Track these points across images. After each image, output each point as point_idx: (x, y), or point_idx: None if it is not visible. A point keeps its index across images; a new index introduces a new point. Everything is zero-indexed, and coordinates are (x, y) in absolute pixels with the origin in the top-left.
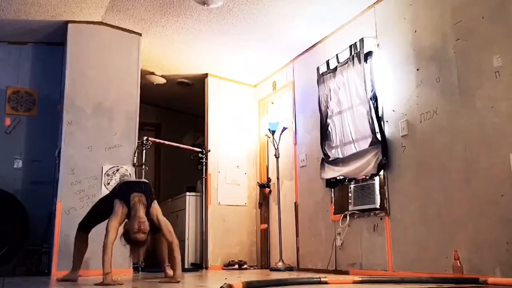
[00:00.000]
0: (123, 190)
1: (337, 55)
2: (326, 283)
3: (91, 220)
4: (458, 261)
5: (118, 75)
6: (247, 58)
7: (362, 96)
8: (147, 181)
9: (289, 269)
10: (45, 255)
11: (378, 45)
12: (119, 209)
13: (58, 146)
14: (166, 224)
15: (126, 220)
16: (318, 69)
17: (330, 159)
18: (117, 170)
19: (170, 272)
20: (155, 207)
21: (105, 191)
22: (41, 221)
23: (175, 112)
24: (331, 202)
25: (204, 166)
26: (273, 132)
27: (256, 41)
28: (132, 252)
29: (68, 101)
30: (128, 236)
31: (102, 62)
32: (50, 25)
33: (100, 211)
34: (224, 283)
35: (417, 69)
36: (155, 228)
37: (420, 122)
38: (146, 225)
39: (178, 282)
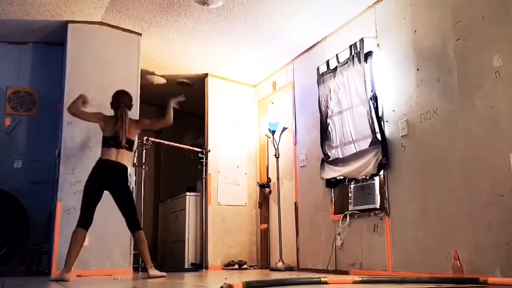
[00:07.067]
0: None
1: (337, 55)
2: (326, 283)
3: (88, 208)
4: (458, 261)
5: (118, 75)
6: (247, 58)
7: (362, 96)
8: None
9: (289, 269)
10: (45, 255)
11: (378, 45)
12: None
13: (58, 146)
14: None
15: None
16: (318, 69)
17: (330, 159)
18: None
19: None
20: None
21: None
22: (41, 221)
23: (175, 112)
24: (331, 202)
25: (204, 166)
26: (273, 132)
27: (256, 41)
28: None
29: (68, 101)
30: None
31: (102, 62)
32: (50, 25)
33: (91, 193)
34: (224, 283)
35: (417, 69)
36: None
37: (420, 122)
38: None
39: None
